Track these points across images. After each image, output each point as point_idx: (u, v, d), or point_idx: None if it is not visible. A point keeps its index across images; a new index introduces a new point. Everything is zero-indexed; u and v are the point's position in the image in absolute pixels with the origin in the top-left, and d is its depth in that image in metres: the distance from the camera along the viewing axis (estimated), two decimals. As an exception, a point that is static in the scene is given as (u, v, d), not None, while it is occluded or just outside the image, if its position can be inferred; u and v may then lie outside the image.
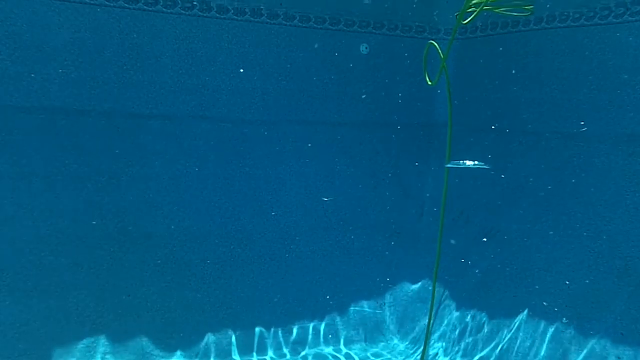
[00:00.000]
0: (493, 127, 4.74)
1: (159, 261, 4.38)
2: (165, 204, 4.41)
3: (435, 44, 3.41)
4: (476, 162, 3.94)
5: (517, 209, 4.42)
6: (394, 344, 4.89)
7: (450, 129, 3.51)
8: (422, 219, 5.22)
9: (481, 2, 3.13)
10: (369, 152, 5.10)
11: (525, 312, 4.10)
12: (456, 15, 3.30)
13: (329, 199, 4.74)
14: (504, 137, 4.64)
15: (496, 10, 3.35)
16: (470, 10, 3.23)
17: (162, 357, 4.30)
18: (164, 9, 4.27)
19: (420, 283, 5.09)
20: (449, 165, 3.74)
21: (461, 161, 3.89)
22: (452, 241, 3.94)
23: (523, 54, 4.45)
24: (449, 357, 4.44)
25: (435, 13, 4.87)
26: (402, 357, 4.68)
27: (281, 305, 4.73)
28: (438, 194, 4.34)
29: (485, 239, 4.59)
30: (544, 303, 3.91)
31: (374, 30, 4.94)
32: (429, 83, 3.50)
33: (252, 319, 4.62)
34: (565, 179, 4.12)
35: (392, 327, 5.00)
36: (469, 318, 4.49)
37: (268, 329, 4.65)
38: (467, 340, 4.41)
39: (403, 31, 5.02)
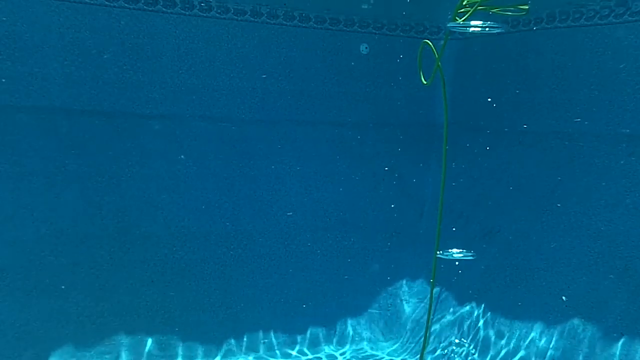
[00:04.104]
0: (493, 127, 4.74)
1: (159, 261, 4.38)
2: (165, 204, 4.41)
3: (430, 43, 3.40)
4: (462, 252, 3.89)
5: (517, 209, 4.41)
6: (393, 344, 4.89)
7: (447, 128, 3.49)
8: (422, 219, 5.22)
9: (475, 2, 3.12)
10: (369, 152, 5.09)
11: (525, 312, 4.10)
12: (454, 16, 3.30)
13: (290, 213, 4.74)
14: (504, 137, 4.64)
15: (492, 10, 3.33)
16: (464, 10, 3.22)
17: (162, 357, 4.29)
18: (164, 9, 4.27)
19: (419, 283, 5.09)
20: (439, 255, 3.71)
21: (450, 251, 3.84)
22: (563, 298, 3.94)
23: (523, 54, 4.45)
24: (447, 357, 4.44)
25: (434, 13, 4.87)
26: (401, 357, 4.68)
27: (281, 305, 4.72)
28: (438, 193, 4.34)
29: (485, 239, 4.59)
30: (563, 298, 3.89)
31: (374, 30, 4.94)
32: (424, 83, 3.49)
33: (252, 319, 4.62)
34: (565, 179, 4.12)
35: (391, 326, 5.00)
36: (468, 318, 4.49)
37: (268, 329, 4.65)
38: (466, 340, 4.41)
39: (403, 31, 5.02)
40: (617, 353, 3.53)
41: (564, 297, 3.91)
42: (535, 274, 4.13)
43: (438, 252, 3.68)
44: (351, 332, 4.90)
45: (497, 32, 3.40)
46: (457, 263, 4.64)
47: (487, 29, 3.15)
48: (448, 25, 3.18)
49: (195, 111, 4.49)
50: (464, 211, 4.85)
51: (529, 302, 4.10)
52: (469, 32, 3.50)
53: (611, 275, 3.70)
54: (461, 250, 3.89)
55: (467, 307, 4.54)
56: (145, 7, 4.21)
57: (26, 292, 3.98)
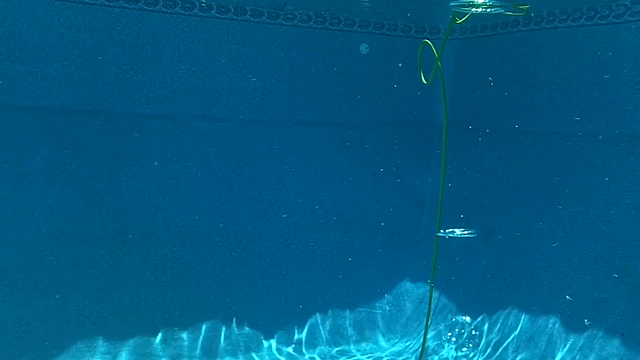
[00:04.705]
0: (493, 127, 4.74)
1: (159, 261, 4.38)
2: (165, 204, 4.41)
3: (430, 43, 3.40)
4: (464, 231, 3.89)
5: (517, 209, 4.41)
6: (393, 344, 4.89)
7: (446, 128, 3.50)
8: (422, 219, 5.22)
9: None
10: (369, 152, 5.09)
11: (525, 312, 4.10)
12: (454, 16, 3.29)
13: (284, 215, 4.74)
14: (504, 137, 4.64)
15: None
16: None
17: (162, 357, 4.30)
18: (164, 9, 4.27)
19: (419, 283, 5.09)
20: (439, 234, 3.72)
21: (449, 230, 3.84)
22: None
23: (523, 54, 4.45)
24: (447, 357, 4.44)
25: (434, 13, 4.87)
26: (401, 357, 4.68)
27: (281, 305, 4.72)
28: (438, 193, 4.34)
29: (485, 239, 4.59)
30: (568, 297, 3.89)
31: (374, 30, 4.94)
32: (424, 82, 3.49)
33: (252, 319, 4.62)
34: (565, 179, 4.12)
35: (391, 326, 5.00)
36: (468, 318, 4.49)
37: (268, 329, 4.65)
38: (466, 340, 4.41)
39: (403, 31, 5.02)
40: (617, 353, 3.52)
41: (568, 297, 3.90)
42: (536, 274, 4.13)
43: (440, 232, 3.67)
44: (351, 332, 4.90)
45: (499, 12, 3.36)
46: (456, 259, 4.65)
47: (489, 9, 3.12)
48: (451, 4, 3.16)
49: (195, 111, 4.49)
50: (464, 211, 4.85)
51: (529, 302, 4.10)
52: (472, 13, 3.42)
53: (611, 275, 3.70)
54: (462, 229, 3.88)
55: (467, 307, 4.54)
56: (145, 7, 4.21)
57: (26, 292, 3.98)
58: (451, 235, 3.87)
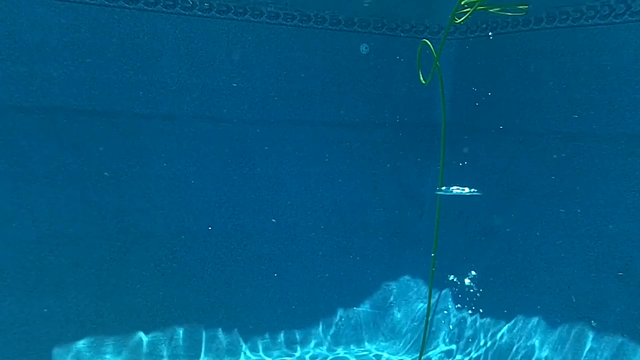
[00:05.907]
0: (493, 127, 4.74)
1: (159, 261, 4.38)
2: (165, 204, 4.41)
3: (429, 43, 3.40)
4: (468, 190, 3.88)
5: (517, 209, 4.41)
6: (393, 344, 4.89)
7: (445, 127, 3.50)
8: (422, 218, 5.22)
9: (474, 2, 3.12)
10: (369, 152, 5.09)
11: (525, 312, 4.10)
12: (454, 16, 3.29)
13: (274, 220, 4.74)
14: (504, 137, 4.64)
15: (490, 10, 3.33)
16: (464, 10, 3.22)
17: (162, 357, 4.30)
18: (164, 9, 4.27)
19: (419, 283, 5.09)
20: (439, 193, 3.71)
21: (451, 189, 3.83)
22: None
23: (523, 54, 4.45)
24: (447, 357, 4.44)
25: (434, 13, 4.87)
26: (401, 357, 4.68)
27: (281, 305, 4.73)
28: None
29: (484, 239, 4.59)
30: (573, 298, 3.88)
31: (374, 30, 4.94)
32: (423, 82, 3.49)
33: (252, 319, 4.62)
34: (566, 179, 4.12)
35: (391, 326, 5.00)
36: (468, 317, 4.49)
37: (268, 328, 4.66)
38: (466, 340, 4.41)
39: (403, 31, 5.01)
40: (617, 353, 3.52)
41: (573, 298, 3.90)
42: (535, 274, 4.13)
43: (439, 189, 3.66)
44: (351, 332, 4.90)
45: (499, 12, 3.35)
46: (456, 259, 4.64)
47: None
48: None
49: (195, 111, 4.49)
50: (463, 211, 4.85)
51: (529, 302, 4.10)
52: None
53: (611, 275, 3.70)
54: (463, 188, 3.85)
55: (467, 307, 4.54)
56: (145, 7, 4.21)
57: (26, 292, 3.99)
58: (453, 193, 3.84)
